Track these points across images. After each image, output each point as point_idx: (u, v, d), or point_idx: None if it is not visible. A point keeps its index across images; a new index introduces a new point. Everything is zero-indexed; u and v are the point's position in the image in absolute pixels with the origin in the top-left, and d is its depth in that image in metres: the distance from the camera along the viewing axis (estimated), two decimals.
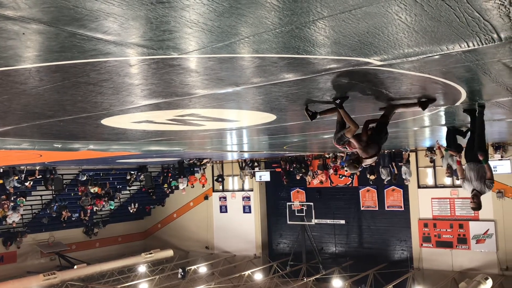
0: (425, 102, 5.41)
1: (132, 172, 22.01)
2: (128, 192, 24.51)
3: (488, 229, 18.28)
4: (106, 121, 6.24)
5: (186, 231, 26.02)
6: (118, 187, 23.03)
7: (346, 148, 5.54)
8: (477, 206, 6.15)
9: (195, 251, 24.96)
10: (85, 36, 2.57)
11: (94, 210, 22.10)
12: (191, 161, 18.77)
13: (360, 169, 5.35)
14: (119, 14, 2.29)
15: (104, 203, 21.35)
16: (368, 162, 5.37)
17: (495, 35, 2.78)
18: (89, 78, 3.63)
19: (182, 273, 19.60)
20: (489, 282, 15.74)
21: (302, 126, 8.50)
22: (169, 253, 23.33)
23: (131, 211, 24.06)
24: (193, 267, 21.30)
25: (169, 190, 22.60)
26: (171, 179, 21.46)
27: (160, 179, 22.62)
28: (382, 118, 5.49)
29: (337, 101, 5.02)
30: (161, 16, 2.35)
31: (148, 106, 5.06)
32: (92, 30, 2.50)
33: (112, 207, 22.88)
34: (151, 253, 22.30)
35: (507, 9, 2.35)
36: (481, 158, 6.01)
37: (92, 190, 20.41)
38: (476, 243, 18.49)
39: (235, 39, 2.79)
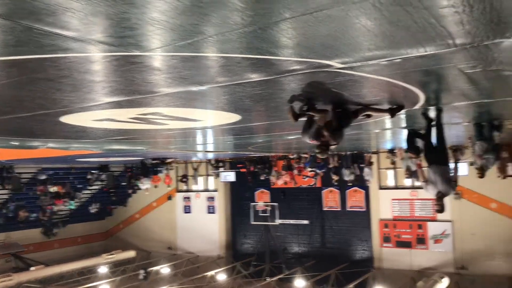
0: (394, 109, 5.56)
1: (93, 171, 21.53)
2: (89, 191, 23.96)
3: (446, 230, 18.88)
4: (65, 119, 6.08)
5: (149, 231, 25.68)
6: (78, 186, 22.48)
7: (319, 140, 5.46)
8: (442, 209, 6.24)
9: (157, 252, 24.64)
10: (42, 30, 2.50)
11: (54, 210, 21.48)
12: (154, 161, 18.54)
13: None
14: (77, 9, 2.24)
15: (64, 203, 20.79)
16: (334, 145, 5.40)
17: (450, 41, 2.88)
18: (47, 74, 3.53)
19: (144, 274, 19.33)
20: (445, 280, 16.26)
21: (267, 127, 8.54)
22: (131, 254, 22.93)
23: (92, 211, 23.53)
24: (155, 268, 21.02)
25: (132, 190, 22.24)
26: (133, 179, 21.13)
27: (126, 179, 22.23)
28: (352, 114, 5.53)
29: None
30: (122, 12, 2.31)
31: (110, 104, 4.96)
32: (50, 25, 2.43)
33: (73, 207, 22.32)
34: (112, 254, 21.86)
35: (460, 16, 2.43)
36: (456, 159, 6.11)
37: (51, 190, 19.84)
38: (434, 243, 19.07)
39: (198, 38, 2.78)
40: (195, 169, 23.48)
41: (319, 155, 5.27)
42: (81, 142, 9.72)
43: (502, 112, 7.16)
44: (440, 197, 6.21)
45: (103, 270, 21.16)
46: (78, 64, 3.32)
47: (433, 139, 6.55)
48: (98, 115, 5.87)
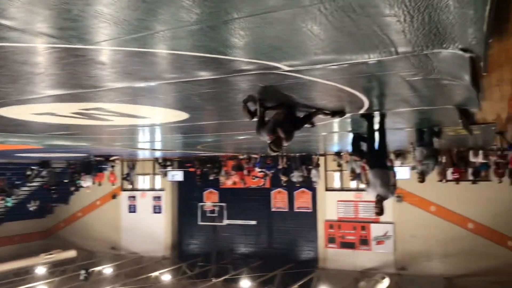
0: (338, 113, 5.72)
1: (33, 167, 20.60)
2: (28, 188, 22.91)
3: (387, 231, 19.55)
4: (2, 111, 5.78)
5: (92, 231, 24.91)
6: (16, 183, 21.43)
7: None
8: (381, 211, 6.31)
9: (100, 252, 23.96)
10: None
11: None
12: (98, 158, 17.98)
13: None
14: None
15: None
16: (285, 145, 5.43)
17: (392, 49, 2.97)
18: None
19: (85, 275, 18.72)
20: (386, 281, 16.84)
21: (216, 126, 8.50)
22: (72, 253, 22.17)
23: (31, 209, 22.51)
24: (97, 268, 20.42)
25: (74, 187, 21.46)
26: (76, 176, 20.40)
27: (68, 176, 21.41)
28: (305, 117, 5.60)
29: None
30: (62, 3, 2.22)
31: (50, 97, 4.76)
32: None
33: (9, 205, 21.23)
34: (51, 254, 21.04)
35: (402, 25, 2.52)
36: (389, 163, 6.24)
37: None
38: (376, 244, 19.69)
39: (143, 33, 2.71)
40: (131, 168, 22.76)
41: (273, 150, 5.25)
42: (20, 137, 9.27)
43: (441, 119, 7.49)
44: (379, 200, 6.30)
45: (41, 270, 20.31)
46: (16, 54, 3.15)
47: (376, 143, 6.72)
48: (38, 108, 5.62)
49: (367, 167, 6.82)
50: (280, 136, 5.16)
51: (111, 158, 18.34)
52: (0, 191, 19.80)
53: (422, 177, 8.48)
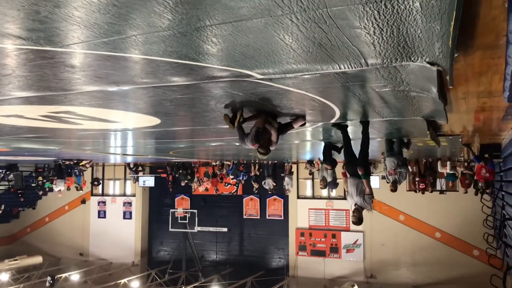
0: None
1: None
2: None
3: (357, 239, 19.77)
4: None
5: (59, 236, 24.34)
6: None
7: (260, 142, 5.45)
8: (357, 221, 6.24)
9: (67, 258, 23.44)
10: None
11: None
12: (67, 162, 17.60)
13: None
14: None
15: None
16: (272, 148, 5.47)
17: (362, 60, 3.03)
18: None
19: (51, 281, 18.28)
20: None
21: (188, 132, 8.45)
22: (38, 259, 21.60)
23: None
24: (64, 275, 19.95)
25: (42, 192, 20.93)
26: (44, 180, 19.91)
27: (36, 180, 20.85)
28: (286, 124, 5.67)
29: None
30: (30, 4, 2.18)
31: (18, 99, 4.65)
32: None
33: None
34: (16, 260, 20.44)
35: (371, 37, 2.57)
36: (360, 172, 6.11)
37: None
38: (346, 252, 19.89)
39: (114, 37, 2.69)
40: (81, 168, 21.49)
41: (262, 154, 5.28)
42: None
43: (410, 130, 7.65)
44: (356, 209, 6.25)
45: (4, 277, 19.71)
46: None
47: (352, 151, 6.73)
48: (5, 110, 5.47)
49: (348, 175, 6.81)
50: (267, 141, 5.21)
51: (81, 163, 17.97)
52: None
53: (394, 186, 8.61)
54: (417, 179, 16.07)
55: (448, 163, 14.02)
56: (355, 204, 6.30)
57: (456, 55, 2.80)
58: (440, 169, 14.77)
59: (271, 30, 2.51)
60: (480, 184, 11.61)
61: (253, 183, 19.45)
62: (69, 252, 23.89)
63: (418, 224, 19.01)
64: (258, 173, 18.85)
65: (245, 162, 19.17)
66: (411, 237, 18.98)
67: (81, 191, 21.37)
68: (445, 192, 18.26)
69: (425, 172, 15.90)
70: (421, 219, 18.94)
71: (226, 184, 21.85)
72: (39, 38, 2.69)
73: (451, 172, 14.23)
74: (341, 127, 6.66)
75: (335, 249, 20.08)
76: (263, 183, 18.31)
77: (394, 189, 8.69)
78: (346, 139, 6.79)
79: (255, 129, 5.23)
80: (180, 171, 20.73)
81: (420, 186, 15.96)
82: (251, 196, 21.78)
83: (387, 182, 9.07)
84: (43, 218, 25.08)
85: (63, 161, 17.36)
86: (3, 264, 19.95)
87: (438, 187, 18.01)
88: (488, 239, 14.12)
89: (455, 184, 17.15)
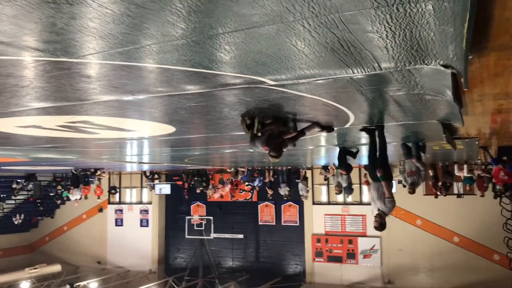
0: (325, 127, 5.78)
1: (19, 180, 20.35)
2: (13, 202, 22.57)
3: (374, 245, 19.59)
4: None
5: (77, 245, 24.58)
6: (2, 196, 21.14)
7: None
8: (379, 226, 6.09)
9: (86, 266, 23.64)
10: None
11: None
12: (85, 172, 17.82)
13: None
14: None
15: None
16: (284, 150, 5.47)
17: (375, 65, 3.02)
18: None
19: None
20: None
21: (203, 139, 8.49)
22: (57, 268, 21.79)
23: (16, 222, 22.18)
24: (82, 283, 20.11)
25: (60, 201, 21.19)
26: (62, 189, 20.17)
27: (54, 190, 21.13)
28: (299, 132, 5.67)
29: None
30: (48, 16, 2.23)
31: (35, 110, 4.73)
32: None
33: None
34: (36, 268, 20.65)
35: (384, 41, 2.57)
36: (379, 174, 6.01)
37: None
38: (363, 258, 19.71)
39: (129, 47, 2.72)
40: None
41: (273, 156, 5.27)
42: (5, 149, 9.17)
43: (426, 133, 7.58)
44: (379, 214, 6.11)
45: (25, 285, 19.95)
46: (1, 67, 3.14)
47: (376, 156, 6.63)
48: (23, 121, 5.57)
49: (370, 181, 6.73)
50: (278, 144, 5.21)
51: (98, 173, 18.16)
52: None
53: (412, 188, 8.45)
54: (430, 182, 15.89)
55: (465, 166, 13.85)
56: (378, 209, 6.17)
57: (470, 57, 2.78)
58: (457, 173, 14.60)
59: (283, 36, 2.52)
60: (498, 187, 11.43)
61: (267, 189, 19.45)
62: (87, 260, 24.09)
63: (435, 229, 18.77)
64: (272, 179, 18.84)
65: (259, 168, 19.17)
66: (428, 242, 18.74)
67: (99, 200, 21.54)
68: (462, 196, 18.01)
69: (443, 176, 15.72)
70: (439, 224, 18.70)
71: (241, 191, 21.87)
72: (56, 50, 2.74)
73: (468, 175, 14.05)
74: (369, 131, 6.55)
75: (352, 255, 19.91)
76: (278, 189, 18.32)
77: (412, 191, 8.55)
78: (372, 143, 6.67)
79: (268, 133, 5.23)
80: (196, 179, 20.81)
81: (433, 191, 15.78)
82: (266, 203, 21.75)
83: (404, 186, 8.96)
84: (61, 227, 25.37)
85: (80, 171, 17.58)
86: (23, 273, 20.19)
87: (456, 191, 17.78)
88: (509, 243, 13.87)
89: (472, 187, 16.89)
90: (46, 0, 2.04)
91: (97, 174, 18.17)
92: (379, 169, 6.10)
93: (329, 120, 5.86)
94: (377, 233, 19.47)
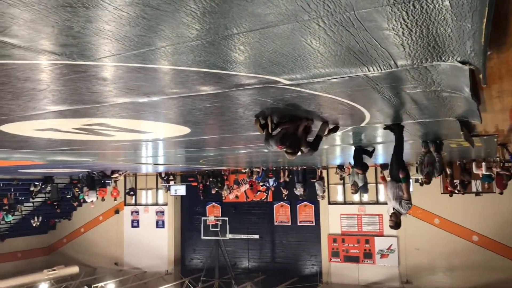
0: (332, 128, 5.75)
1: (36, 183, 20.64)
2: (31, 204, 22.91)
3: (392, 244, 19.42)
4: (5, 128, 5.81)
5: (94, 246, 24.83)
6: (20, 198, 21.47)
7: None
8: (395, 225, 6.08)
9: (103, 268, 23.87)
10: None
11: None
12: (101, 173, 17.97)
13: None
14: (15, 15, 2.15)
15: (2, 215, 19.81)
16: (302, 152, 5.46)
17: (392, 62, 2.99)
18: None
19: None
20: None
21: (217, 140, 8.51)
22: (75, 269, 22.07)
23: (34, 224, 22.50)
24: (100, 284, 20.31)
25: (77, 203, 21.44)
26: (79, 192, 20.41)
27: (71, 192, 21.40)
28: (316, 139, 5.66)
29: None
30: (64, 20, 2.25)
31: (52, 113, 4.79)
32: None
33: (10, 219, 21.20)
34: (54, 270, 20.96)
35: (400, 38, 2.54)
36: (401, 175, 5.98)
37: None
38: (380, 258, 19.55)
39: (144, 49, 2.74)
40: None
41: (290, 154, 5.26)
42: (23, 152, 9.30)
43: (443, 131, 7.48)
44: (394, 213, 6.09)
45: (44, 287, 20.23)
46: (18, 71, 3.18)
47: (402, 154, 6.55)
48: (40, 124, 5.64)
49: (386, 179, 6.67)
50: (295, 142, 5.20)
51: (114, 175, 18.30)
52: (9, 206, 19.85)
53: (428, 178, 8.30)
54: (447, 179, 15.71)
55: (483, 164, 13.65)
56: (393, 209, 6.15)
57: (489, 52, 2.73)
58: (475, 170, 14.40)
59: (298, 35, 2.51)
60: None
61: (282, 189, 19.40)
62: (104, 261, 24.32)
63: (454, 228, 18.54)
64: (287, 179, 18.80)
65: (274, 168, 19.15)
66: (447, 241, 18.52)
67: (115, 202, 21.71)
68: (481, 194, 17.75)
69: (460, 173, 15.52)
70: (457, 222, 18.46)
71: (256, 191, 21.87)
72: (72, 53, 2.77)
73: (487, 173, 13.84)
74: (396, 127, 6.41)
75: (368, 255, 19.76)
76: (294, 189, 18.27)
77: (428, 181, 8.41)
78: (399, 139, 6.55)
79: (283, 132, 5.22)
80: (211, 179, 20.85)
81: (449, 189, 15.58)
82: (282, 203, 21.71)
83: (416, 181, 8.84)
84: (78, 229, 25.66)
85: (99, 172, 17.74)
86: (42, 274, 20.49)
87: (474, 189, 17.53)
88: None
89: (491, 185, 16.65)
90: (63, 4, 2.06)
91: (113, 176, 18.33)
92: (402, 171, 6.07)
93: (340, 119, 5.84)
94: (394, 232, 19.30)
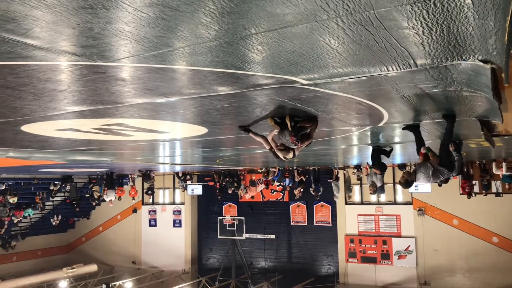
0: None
1: (56, 182, 20.95)
2: (51, 203, 23.26)
3: (409, 245, 19.21)
4: (26, 128, 5.91)
5: (112, 245, 25.10)
6: (40, 197, 21.82)
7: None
8: (404, 182, 6.10)
9: (121, 266, 24.11)
10: (1, 37, 2.43)
11: (14, 221, 20.76)
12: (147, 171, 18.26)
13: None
14: (38, 17, 2.19)
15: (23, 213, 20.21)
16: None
17: (411, 61, 2.96)
18: (6, 81, 3.43)
19: None
20: None
21: (234, 140, 8.53)
22: (93, 268, 22.32)
23: (54, 223, 22.84)
24: (118, 283, 20.53)
25: (95, 202, 21.70)
26: (95, 191, 20.61)
27: (90, 191, 21.65)
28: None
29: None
30: (84, 22, 2.28)
31: (72, 113, 4.86)
32: (9, 32, 2.37)
33: (31, 214, 21.56)
34: (73, 268, 21.21)
35: (420, 37, 2.51)
36: (423, 151, 6.04)
37: (11, 201, 19.16)
38: (398, 259, 19.35)
39: (163, 50, 2.76)
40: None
41: (285, 153, 5.35)
42: (43, 152, 9.45)
43: (463, 131, 7.38)
44: (408, 171, 6.13)
45: (63, 284, 20.52)
46: (39, 72, 3.23)
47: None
48: (60, 124, 5.73)
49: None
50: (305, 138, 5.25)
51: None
52: (43, 205, 20.28)
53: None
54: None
55: (503, 164, 13.41)
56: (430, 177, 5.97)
57: None
58: (495, 171, 14.16)
59: (317, 35, 2.50)
60: None
61: (295, 192, 19.32)
62: (122, 260, 24.57)
63: (473, 229, 18.25)
64: (304, 179, 18.74)
65: (290, 168, 19.11)
66: (465, 242, 18.24)
67: (133, 201, 21.89)
68: (501, 195, 17.43)
69: (480, 174, 15.28)
70: (477, 223, 18.17)
71: (272, 191, 21.84)
72: (92, 54, 2.80)
73: (508, 173, 13.60)
74: (413, 127, 6.40)
75: (386, 256, 19.58)
76: (310, 189, 18.21)
77: (445, 181, 8.29)
78: (419, 139, 6.53)
79: (300, 126, 5.28)
80: (227, 179, 20.89)
81: (466, 191, 15.32)
82: (298, 203, 21.64)
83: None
84: (97, 227, 25.96)
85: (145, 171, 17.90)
86: (61, 272, 20.77)
87: (494, 190, 17.24)
88: None
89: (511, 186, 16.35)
90: (84, 6, 2.09)
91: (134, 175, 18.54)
92: (423, 147, 6.06)
93: (358, 119, 5.80)
94: (412, 233, 19.10)
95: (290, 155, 5.59)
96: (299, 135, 5.25)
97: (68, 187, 21.32)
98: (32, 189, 21.01)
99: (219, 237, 22.75)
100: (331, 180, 18.58)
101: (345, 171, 19.13)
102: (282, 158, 5.77)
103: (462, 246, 18.26)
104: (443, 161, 5.98)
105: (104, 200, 20.56)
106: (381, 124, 6.25)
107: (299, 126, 5.29)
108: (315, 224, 21.53)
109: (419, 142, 6.51)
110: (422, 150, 6.11)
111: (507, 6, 2.00)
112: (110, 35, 2.48)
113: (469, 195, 15.43)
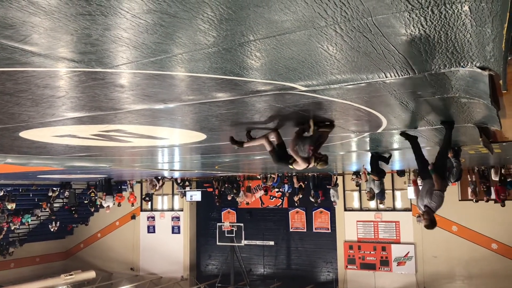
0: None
1: (54, 188, 20.89)
2: (48, 210, 23.17)
3: (408, 252, 19.16)
4: (25, 134, 5.90)
5: (111, 251, 24.98)
6: (39, 203, 21.76)
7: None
8: (430, 223, 5.76)
9: (119, 273, 23.98)
10: None
11: (12, 228, 20.69)
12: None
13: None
14: (36, 23, 2.19)
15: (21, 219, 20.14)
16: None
17: (409, 68, 2.96)
18: (4, 87, 3.43)
19: None
20: None
21: (233, 146, 8.51)
22: (91, 274, 22.19)
23: (52, 229, 22.75)
24: None
25: (94, 208, 21.63)
26: (96, 197, 20.59)
27: (88, 197, 21.62)
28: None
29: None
30: (83, 28, 2.28)
31: (71, 119, 4.85)
32: (7, 38, 2.37)
33: (29, 220, 21.50)
34: (71, 275, 21.08)
35: (418, 44, 2.51)
36: (430, 168, 5.80)
37: (9, 207, 19.10)
38: (397, 265, 19.28)
39: (161, 56, 2.76)
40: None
41: (304, 162, 5.27)
42: (41, 158, 9.43)
43: (462, 137, 7.38)
44: (426, 211, 5.81)
45: None
46: (37, 78, 3.23)
47: (423, 156, 6.46)
48: (59, 131, 5.72)
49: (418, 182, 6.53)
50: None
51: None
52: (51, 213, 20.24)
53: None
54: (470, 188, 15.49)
55: (502, 170, 13.42)
56: (425, 206, 5.82)
57: (509, 58, 2.69)
58: (494, 177, 14.16)
59: (315, 41, 2.51)
60: None
61: (294, 198, 19.29)
62: (121, 267, 24.45)
63: (472, 235, 18.21)
64: (303, 185, 18.72)
65: (289, 174, 19.09)
66: (465, 249, 18.20)
67: (132, 207, 21.85)
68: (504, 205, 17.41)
69: (480, 180, 15.28)
70: (476, 230, 18.13)
71: (271, 197, 21.80)
72: (91, 60, 2.80)
73: (508, 179, 13.60)
74: (410, 137, 6.39)
75: (385, 262, 19.52)
76: (309, 197, 18.18)
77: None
78: (415, 145, 6.46)
79: (318, 135, 5.24)
80: (226, 185, 20.85)
81: (501, 196, 15.24)
82: (297, 209, 21.60)
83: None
84: (95, 234, 25.85)
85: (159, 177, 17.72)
86: (59, 279, 20.65)
87: (493, 196, 17.23)
88: None
89: (511, 192, 16.33)
90: (82, 13, 2.09)
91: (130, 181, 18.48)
92: (430, 164, 5.88)
93: (356, 125, 5.80)
94: (411, 239, 19.05)
95: (305, 165, 5.34)
96: (317, 144, 5.19)
97: (66, 193, 21.25)
98: (31, 195, 20.94)
99: (218, 243, 22.67)
100: (330, 187, 18.57)
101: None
102: (294, 166, 5.48)
103: (461, 252, 18.21)
104: (439, 167, 5.89)
105: (102, 206, 20.53)
106: (379, 131, 6.26)
107: (320, 131, 5.24)
108: (314, 230, 21.47)
109: (416, 151, 6.42)
110: (429, 167, 5.86)
111: (504, 13, 2.01)
112: (108, 41, 2.48)
113: (478, 200, 15.36)
